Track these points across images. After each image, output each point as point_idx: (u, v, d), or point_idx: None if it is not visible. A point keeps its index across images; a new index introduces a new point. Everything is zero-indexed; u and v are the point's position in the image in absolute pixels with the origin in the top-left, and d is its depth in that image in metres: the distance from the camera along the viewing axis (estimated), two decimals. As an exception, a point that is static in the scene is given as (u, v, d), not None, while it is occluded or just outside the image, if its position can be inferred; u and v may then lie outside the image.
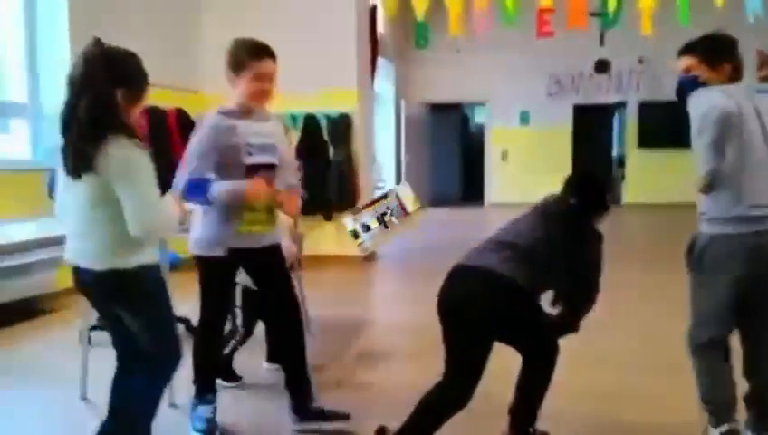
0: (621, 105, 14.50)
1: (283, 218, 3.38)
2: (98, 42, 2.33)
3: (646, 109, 13.92)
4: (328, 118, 7.64)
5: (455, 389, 2.59)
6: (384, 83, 13.03)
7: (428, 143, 15.13)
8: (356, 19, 7.66)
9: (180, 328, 4.63)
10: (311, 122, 7.63)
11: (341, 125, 7.62)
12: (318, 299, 5.29)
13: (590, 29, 12.11)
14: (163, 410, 2.74)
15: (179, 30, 7.70)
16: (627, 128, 14.49)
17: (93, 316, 4.42)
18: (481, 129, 15.65)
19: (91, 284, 2.38)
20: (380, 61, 9.89)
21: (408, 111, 14.03)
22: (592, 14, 7.71)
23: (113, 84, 2.29)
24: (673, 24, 7.16)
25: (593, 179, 2.97)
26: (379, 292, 6.88)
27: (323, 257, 7.58)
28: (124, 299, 2.40)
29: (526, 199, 3.96)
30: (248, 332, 3.93)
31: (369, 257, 7.93)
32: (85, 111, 2.23)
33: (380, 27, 9.44)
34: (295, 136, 7.70)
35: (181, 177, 2.93)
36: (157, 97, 6.89)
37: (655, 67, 13.64)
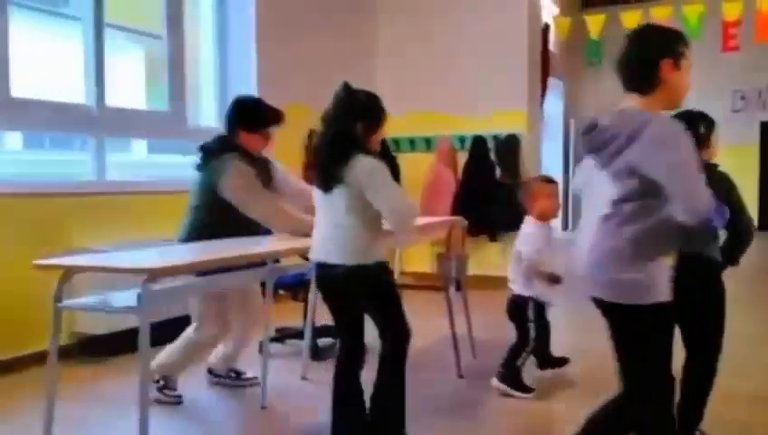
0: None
1: None
2: (346, 86, 2.96)
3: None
4: (496, 139, 7.63)
5: None
6: (553, 102, 12.79)
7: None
8: (528, 39, 7.61)
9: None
10: (478, 144, 7.66)
11: (509, 146, 7.58)
12: (482, 320, 5.28)
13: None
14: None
15: (352, 61, 8.01)
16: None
17: (272, 329, 4.71)
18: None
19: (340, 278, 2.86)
20: (551, 81, 9.74)
21: (579, 128, 13.68)
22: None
23: (355, 119, 2.88)
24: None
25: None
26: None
27: (488, 278, 7.54)
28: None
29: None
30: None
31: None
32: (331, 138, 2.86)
33: (552, 46, 9.30)
34: (463, 157, 7.78)
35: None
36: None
37: None
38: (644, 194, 2.15)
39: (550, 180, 4.24)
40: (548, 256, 3.99)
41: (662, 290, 2.22)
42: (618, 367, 2.35)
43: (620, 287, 2.22)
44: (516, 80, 7.59)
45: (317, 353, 4.58)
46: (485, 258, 7.74)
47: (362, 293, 2.94)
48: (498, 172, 7.66)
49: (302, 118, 7.05)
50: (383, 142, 7.94)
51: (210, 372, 4.20)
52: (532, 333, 4.02)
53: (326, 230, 2.92)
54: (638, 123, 2.16)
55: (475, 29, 7.73)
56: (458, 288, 4.65)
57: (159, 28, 5.95)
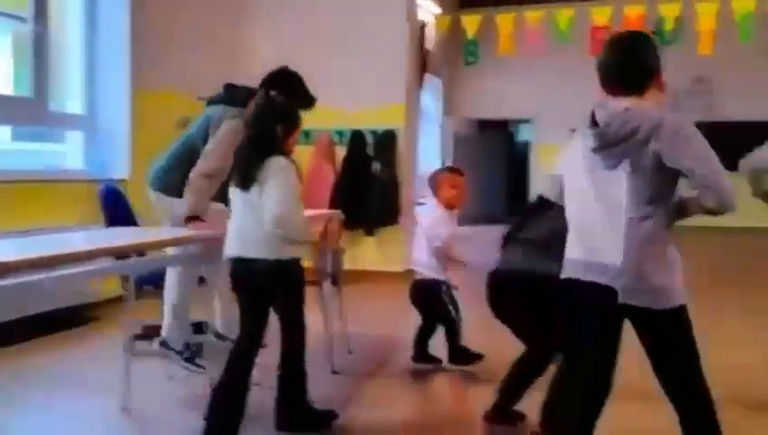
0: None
1: None
2: (266, 92, 3.32)
3: (699, 129, 13.49)
4: (374, 133, 7.63)
5: None
6: (430, 100, 13.00)
7: (473, 159, 15.02)
8: (407, 36, 7.65)
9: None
10: (356, 139, 7.64)
11: (387, 141, 7.60)
12: (358, 316, 5.25)
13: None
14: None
15: (224, 44, 7.78)
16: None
17: (137, 326, 4.46)
18: (526, 146, 15.49)
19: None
20: (428, 77, 9.88)
21: (454, 127, 13.96)
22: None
23: (274, 122, 3.09)
24: (732, 45, 6.98)
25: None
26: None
27: (363, 272, 7.55)
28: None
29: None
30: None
31: (410, 273, 7.87)
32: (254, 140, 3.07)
33: (429, 44, 9.43)
34: (341, 151, 7.73)
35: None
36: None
37: (712, 86, 13.31)
38: (669, 190, 2.25)
39: (457, 171, 4.46)
40: (455, 241, 4.21)
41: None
42: (664, 376, 2.29)
43: (671, 293, 2.23)
44: (395, 76, 7.63)
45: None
46: (362, 253, 7.74)
47: (278, 287, 3.09)
48: (376, 167, 7.67)
49: (178, 103, 6.80)
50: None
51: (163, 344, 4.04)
52: (454, 313, 4.22)
53: (244, 226, 3.03)
54: (656, 119, 2.22)
55: (354, 24, 7.69)
56: (334, 282, 4.57)
57: (27, 9, 5.56)
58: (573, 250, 2.36)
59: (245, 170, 3.01)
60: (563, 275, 2.38)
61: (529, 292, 3.11)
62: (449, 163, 13.75)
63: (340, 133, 7.75)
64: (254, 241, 2.99)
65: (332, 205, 7.18)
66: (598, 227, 2.28)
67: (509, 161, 15.90)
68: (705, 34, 6.49)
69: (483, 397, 3.53)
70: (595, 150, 2.28)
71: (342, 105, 7.69)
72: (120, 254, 3.26)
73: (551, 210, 2.97)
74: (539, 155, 14.82)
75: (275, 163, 2.98)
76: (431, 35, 9.16)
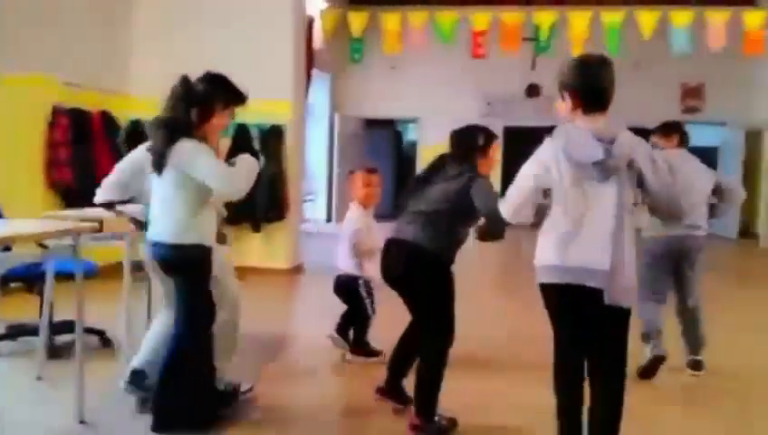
0: (551, 129, 14.81)
1: None
2: (184, 78, 3.19)
3: (573, 134, 14.26)
4: (260, 129, 7.53)
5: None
6: (319, 97, 12.97)
7: (361, 158, 15.13)
8: (293, 31, 7.59)
9: (94, 340, 4.47)
10: (241, 133, 7.50)
11: (273, 136, 7.52)
12: (243, 312, 5.16)
13: (523, 54, 12.40)
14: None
15: (107, 30, 7.46)
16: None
17: (1, 325, 4.21)
18: (413, 145, 15.76)
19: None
20: (316, 74, 9.84)
21: (342, 125, 14.00)
22: (525, 39, 7.86)
23: (189, 106, 3.10)
24: (601, 52, 7.39)
25: (460, 130, 3.46)
26: (303, 306, 6.77)
27: (249, 269, 7.44)
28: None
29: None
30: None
31: (296, 270, 7.84)
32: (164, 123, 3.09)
33: (317, 40, 9.41)
34: (225, 145, 7.56)
35: None
36: (81, 99, 6.74)
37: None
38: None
39: (372, 171, 4.64)
40: (368, 237, 4.43)
41: None
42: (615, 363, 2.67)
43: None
44: (281, 70, 7.56)
45: (54, 351, 4.16)
46: (248, 249, 7.63)
47: (176, 269, 3.16)
48: (262, 162, 7.56)
49: (46, 90, 6.45)
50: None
51: None
52: (369, 308, 4.44)
53: (158, 210, 3.13)
54: (635, 139, 2.66)
55: (240, 17, 7.56)
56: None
57: None
58: (560, 256, 2.63)
59: (158, 154, 3.05)
60: (548, 280, 2.68)
61: (415, 260, 3.26)
62: (336, 160, 13.80)
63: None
64: (163, 224, 3.11)
65: (216, 200, 7.03)
66: (590, 234, 2.60)
67: (396, 160, 16.10)
68: (577, 42, 6.84)
69: (369, 392, 3.56)
70: (595, 173, 2.60)
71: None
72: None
73: (434, 185, 3.29)
74: (423, 155, 15.13)
75: (185, 145, 3.00)
76: (319, 31, 9.15)
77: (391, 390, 3.57)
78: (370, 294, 4.47)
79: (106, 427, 3.29)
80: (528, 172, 2.82)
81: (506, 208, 2.83)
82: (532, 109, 14.61)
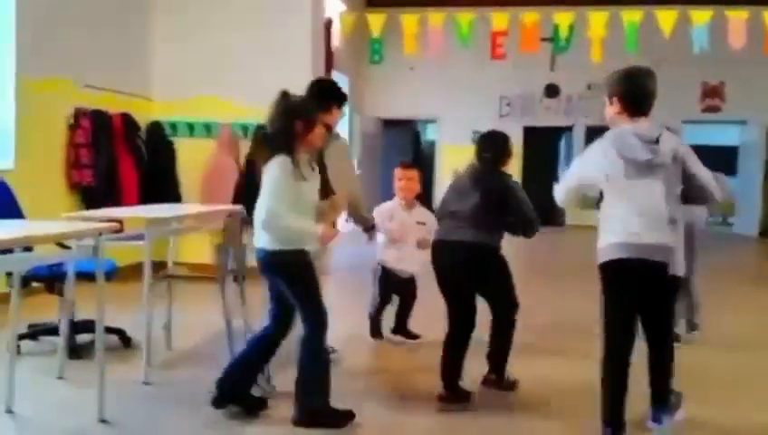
0: (569, 129, 14.77)
1: None
2: (284, 93, 3.40)
3: (592, 133, 14.17)
4: (278, 129, 7.55)
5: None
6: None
7: (381, 158, 15.14)
8: (311, 32, 7.62)
9: (114, 339, 4.51)
10: (261, 133, 7.53)
11: (292, 137, 7.54)
12: (261, 313, 5.19)
13: (541, 54, 12.35)
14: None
15: (127, 33, 7.53)
16: (574, 151, 14.75)
17: (22, 325, 4.26)
18: (432, 145, 15.73)
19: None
20: (335, 75, 9.88)
21: (362, 125, 14.03)
22: (544, 39, 7.82)
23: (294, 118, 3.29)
24: (620, 52, 7.33)
25: (494, 133, 3.96)
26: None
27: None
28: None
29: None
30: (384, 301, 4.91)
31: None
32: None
33: (336, 41, 9.43)
34: (246, 146, 7.61)
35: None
36: (101, 101, 6.81)
37: (602, 93, 13.95)
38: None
39: (408, 166, 5.01)
40: (398, 227, 4.85)
41: None
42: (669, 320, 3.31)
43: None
44: (300, 72, 7.57)
45: (75, 351, 4.21)
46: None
47: (280, 276, 3.31)
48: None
49: (66, 92, 6.53)
50: (158, 127, 7.62)
51: None
52: (377, 291, 4.88)
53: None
54: (675, 138, 3.15)
55: (258, 19, 7.59)
56: (236, 280, 4.50)
57: None
58: (626, 236, 3.03)
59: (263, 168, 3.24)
60: (614, 257, 3.06)
61: (463, 258, 3.65)
62: (356, 161, 13.81)
63: (245, 128, 7.63)
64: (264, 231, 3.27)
65: (236, 201, 7.05)
66: (649, 219, 3.02)
67: (415, 160, 16.08)
68: (596, 42, 6.80)
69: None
70: (645, 169, 3.03)
71: (246, 99, 7.58)
72: (4, 248, 3.10)
73: (473, 190, 3.68)
74: (443, 155, 15.11)
75: (272, 165, 3.19)
76: (337, 33, 9.17)
77: (453, 388, 3.67)
78: (380, 279, 4.83)
79: (127, 426, 3.32)
80: (575, 169, 3.31)
81: (557, 194, 3.33)
82: (551, 109, 14.58)
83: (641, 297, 3.12)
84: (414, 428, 3.42)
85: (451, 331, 3.70)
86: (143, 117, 7.49)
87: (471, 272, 3.67)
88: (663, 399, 3.27)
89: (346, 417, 3.31)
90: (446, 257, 3.70)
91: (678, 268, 3.22)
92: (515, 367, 3.98)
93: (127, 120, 7.11)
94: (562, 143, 15.46)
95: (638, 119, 3.11)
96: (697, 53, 6.90)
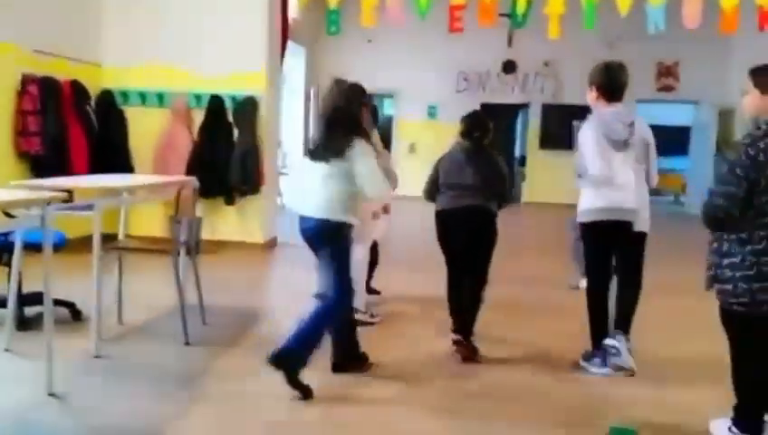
0: (525, 106, 14.88)
1: None
2: (338, 82, 3.67)
3: (548, 111, 14.34)
4: (234, 99, 7.44)
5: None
6: (294, 69, 12.85)
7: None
8: (267, 2, 7.47)
9: (64, 312, 4.42)
10: (215, 104, 7.41)
11: (247, 108, 7.43)
12: (215, 287, 5.15)
13: (499, 30, 12.36)
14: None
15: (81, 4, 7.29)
16: (529, 129, 14.88)
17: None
18: (389, 120, 15.71)
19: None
20: (292, 46, 9.74)
21: (318, 98, 13.88)
22: (502, 15, 7.82)
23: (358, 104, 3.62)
24: (578, 30, 7.38)
25: (479, 114, 4.51)
26: (277, 281, 6.75)
27: (222, 243, 7.40)
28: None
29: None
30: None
31: (270, 244, 7.81)
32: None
33: (292, 11, 9.29)
34: (199, 117, 7.48)
35: None
36: (50, 67, 6.60)
37: (558, 70, 14.09)
38: None
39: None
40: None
41: None
42: (637, 267, 4.00)
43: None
44: (255, 41, 7.45)
45: (23, 323, 4.12)
46: (221, 223, 7.58)
47: (330, 245, 3.55)
48: (236, 134, 7.49)
49: (16, 57, 6.30)
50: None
51: None
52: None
53: (317, 190, 3.53)
54: (646, 126, 3.98)
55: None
56: (188, 252, 4.44)
57: None
58: (601, 201, 3.84)
59: (333, 145, 3.48)
60: (592, 219, 3.89)
61: (473, 219, 4.13)
62: (312, 134, 13.70)
63: (198, 97, 7.49)
64: (322, 202, 3.50)
65: (189, 172, 6.95)
66: (620, 186, 3.80)
67: (372, 134, 16.04)
68: (554, 19, 6.82)
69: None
70: (621, 143, 3.82)
71: (200, 69, 7.44)
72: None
73: (468, 165, 4.16)
74: (400, 129, 15.09)
75: (361, 146, 3.48)
76: (294, 3, 9.03)
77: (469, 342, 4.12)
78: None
79: (76, 399, 3.27)
80: (590, 160, 3.87)
81: (588, 184, 3.93)
82: (509, 85, 14.65)
83: (611, 249, 3.97)
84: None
85: (451, 282, 4.28)
86: (94, 85, 7.28)
87: (477, 230, 4.16)
88: (625, 326, 3.96)
89: (306, 392, 3.37)
90: (458, 220, 4.15)
91: (644, 225, 3.92)
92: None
93: (77, 87, 6.90)
94: (519, 120, 15.58)
95: (614, 104, 3.87)
96: (653, 33, 6.97)
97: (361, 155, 3.46)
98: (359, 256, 4.45)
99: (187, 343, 4.12)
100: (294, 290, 6.03)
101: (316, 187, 3.51)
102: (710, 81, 13.45)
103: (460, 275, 4.24)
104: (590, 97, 3.95)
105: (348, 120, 3.54)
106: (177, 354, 4.01)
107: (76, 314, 4.49)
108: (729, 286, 2.84)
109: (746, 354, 2.93)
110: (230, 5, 7.41)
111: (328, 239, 3.54)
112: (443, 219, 4.23)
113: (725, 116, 12.90)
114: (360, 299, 4.54)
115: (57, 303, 4.03)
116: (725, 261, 2.85)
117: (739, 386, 2.95)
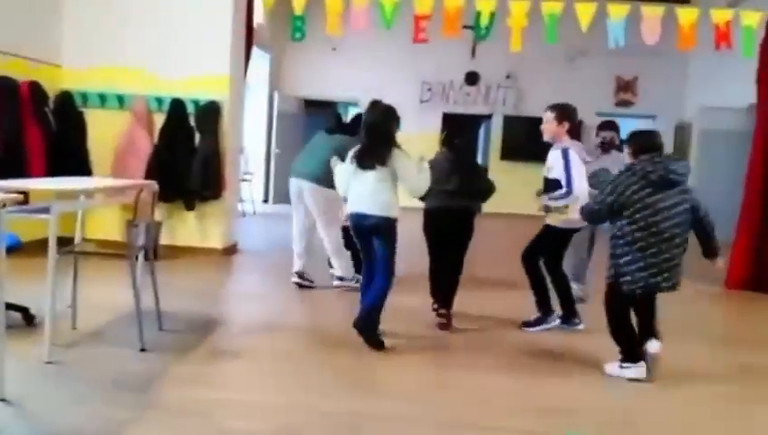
0: (488, 117, 15.03)
1: None
2: (375, 102, 4.72)
3: (510, 123, 14.50)
4: (196, 104, 7.37)
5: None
6: (258, 75, 12.80)
7: (300, 138, 15.00)
8: (232, 7, 7.43)
9: (17, 317, 4.33)
10: (177, 107, 7.34)
11: (210, 112, 7.37)
12: (172, 292, 5.09)
13: (463, 42, 12.46)
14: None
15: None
16: (491, 139, 15.02)
17: None
18: (353, 128, 15.70)
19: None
20: (256, 51, 9.70)
21: (281, 104, 13.85)
22: (466, 27, 7.89)
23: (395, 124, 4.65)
24: (540, 43, 7.49)
25: (460, 124, 5.53)
26: (235, 287, 6.69)
27: (181, 248, 7.32)
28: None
29: (391, 202, 4.12)
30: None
31: (230, 250, 7.74)
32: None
33: (258, 16, 9.24)
34: (160, 120, 7.39)
35: None
36: (7, 67, 6.48)
37: (520, 83, 14.28)
38: None
39: None
40: None
41: None
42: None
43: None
44: (219, 45, 7.40)
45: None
46: (181, 228, 7.49)
47: (385, 236, 4.46)
48: (198, 138, 7.42)
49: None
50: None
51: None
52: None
53: (370, 192, 4.45)
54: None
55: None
56: (146, 257, 4.39)
57: None
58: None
59: (377, 155, 4.42)
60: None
61: (456, 217, 4.98)
62: (274, 140, 13.64)
63: (159, 101, 7.41)
64: (379, 203, 4.41)
65: (149, 176, 6.85)
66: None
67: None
68: (516, 32, 6.91)
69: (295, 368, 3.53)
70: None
71: (162, 72, 7.36)
72: None
73: (452, 170, 4.93)
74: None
75: (400, 155, 4.45)
76: (259, 8, 8.99)
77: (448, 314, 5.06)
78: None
79: (28, 405, 3.20)
80: (585, 181, 5.00)
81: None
82: (471, 96, 14.78)
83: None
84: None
85: (433, 267, 5.16)
86: (52, 86, 7.16)
87: (459, 226, 4.99)
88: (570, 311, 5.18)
89: (381, 344, 4.41)
90: (444, 218, 4.95)
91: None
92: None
93: (35, 88, 6.77)
94: (482, 131, 15.71)
95: (574, 140, 5.04)
96: (613, 48, 7.11)
97: (401, 160, 4.40)
98: (334, 236, 6.00)
99: (143, 349, 4.06)
100: (251, 296, 6.01)
101: (370, 189, 4.41)
102: (667, 96, 13.78)
103: (440, 262, 5.09)
104: (560, 130, 4.93)
105: (385, 134, 4.46)
106: (133, 360, 3.95)
107: (29, 319, 4.40)
108: (629, 277, 3.96)
109: (625, 317, 4.11)
110: (194, 9, 7.35)
111: (386, 232, 4.42)
112: (430, 216, 5.04)
113: (682, 130, 13.22)
114: (347, 269, 6.06)
115: (10, 307, 3.94)
116: (621, 260, 3.97)
117: (619, 338, 4.14)
